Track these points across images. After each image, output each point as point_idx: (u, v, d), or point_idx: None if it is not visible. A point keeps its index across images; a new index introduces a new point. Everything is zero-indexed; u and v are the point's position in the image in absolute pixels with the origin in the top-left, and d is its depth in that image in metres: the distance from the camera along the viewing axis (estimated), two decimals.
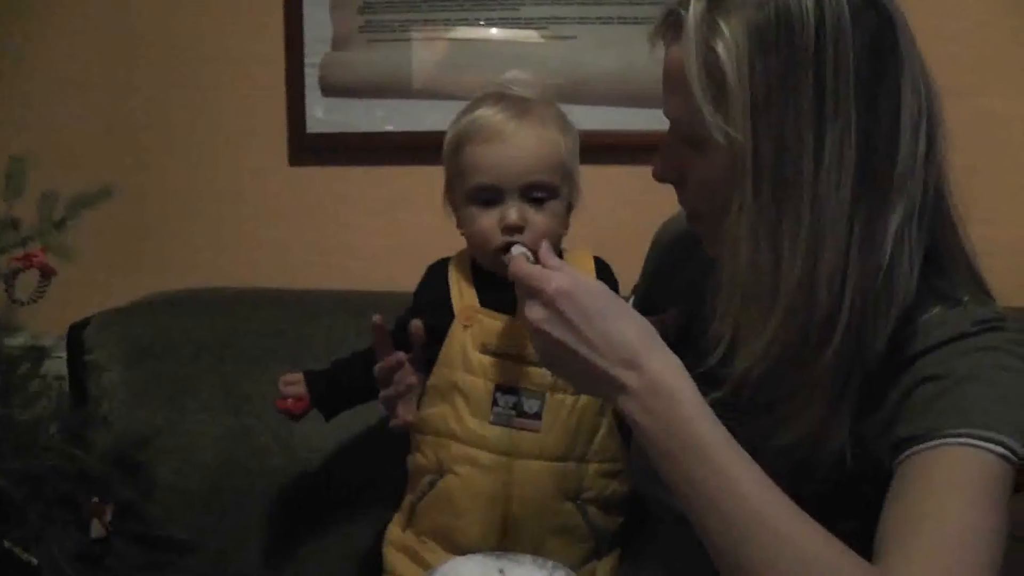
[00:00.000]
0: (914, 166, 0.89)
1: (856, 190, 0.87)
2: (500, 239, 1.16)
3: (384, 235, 1.82)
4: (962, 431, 0.84)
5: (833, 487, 0.92)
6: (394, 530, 1.26)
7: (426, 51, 1.75)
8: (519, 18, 1.72)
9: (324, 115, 1.77)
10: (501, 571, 0.91)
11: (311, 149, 1.79)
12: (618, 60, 1.72)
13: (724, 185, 0.90)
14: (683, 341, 1.03)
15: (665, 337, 1.06)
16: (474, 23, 1.73)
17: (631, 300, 1.27)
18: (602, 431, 1.19)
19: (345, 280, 1.77)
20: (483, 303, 1.21)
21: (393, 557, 1.24)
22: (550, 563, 0.94)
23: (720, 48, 0.87)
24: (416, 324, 1.21)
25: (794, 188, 0.87)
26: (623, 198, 1.64)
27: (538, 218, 1.16)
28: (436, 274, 1.27)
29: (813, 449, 0.94)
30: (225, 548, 1.51)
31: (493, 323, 1.18)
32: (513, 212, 1.15)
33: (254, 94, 1.79)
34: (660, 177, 1.01)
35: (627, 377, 0.86)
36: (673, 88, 0.93)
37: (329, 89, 1.77)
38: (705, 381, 0.91)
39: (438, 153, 1.72)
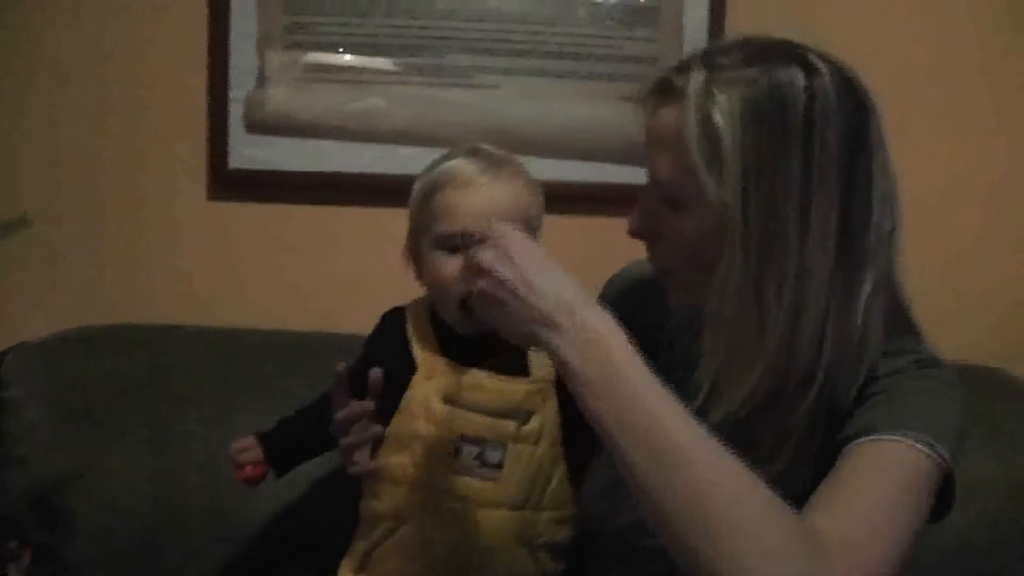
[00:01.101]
0: (881, 240, 0.98)
1: (836, 258, 0.95)
2: (462, 287, 1.18)
3: (301, 274, 1.82)
4: (896, 431, 0.94)
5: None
6: (346, 575, 1.28)
7: (351, 93, 1.77)
8: (443, 66, 1.77)
9: (246, 151, 1.76)
10: None
11: (232, 185, 1.78)
12: (538, 111, 1.79)
13: (707, 244, 0.98)
14: None
15: None
16: (399, 69, 1.77)
17: None
18: (555, 480, 1.23)
19: (262, 318, 1.75)
20: (445, 354, 1.24)
21: None
22: None
23: (717, 116, 0.94)
24: (376, 373, 1.22)
25: (781, 252, 0.94)
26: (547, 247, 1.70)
27: None
28: (392, 324, 1.29)
29: (776, 488, 1.02)
30: None
31: (456, 374, 1.21)
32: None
33: (175, 126, 1.77)
34: (636, 233, 1.07)
35: (563, 318, 0.91)
36: (662, 149, 1.00)
37: (253, 126, 1.76)
38: None
39: (361, 195, 1.77)
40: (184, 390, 1.55)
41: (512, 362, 1.24)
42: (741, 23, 1.77)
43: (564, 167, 1.77)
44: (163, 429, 1.52)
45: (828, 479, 0.95)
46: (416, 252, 1.27)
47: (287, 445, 1.28)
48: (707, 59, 0.98)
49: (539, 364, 1.25)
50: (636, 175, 1.74)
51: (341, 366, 1.22)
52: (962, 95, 1.86)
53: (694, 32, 1.78)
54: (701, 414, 1.00)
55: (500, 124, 1.77)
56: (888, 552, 0.89)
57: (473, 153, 1.24)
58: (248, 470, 1.25)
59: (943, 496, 0.98)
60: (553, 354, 0.92)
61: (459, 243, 1.19)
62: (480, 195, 1.20)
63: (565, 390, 1.21)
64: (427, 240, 1.23)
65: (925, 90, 1.82)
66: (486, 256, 0.95)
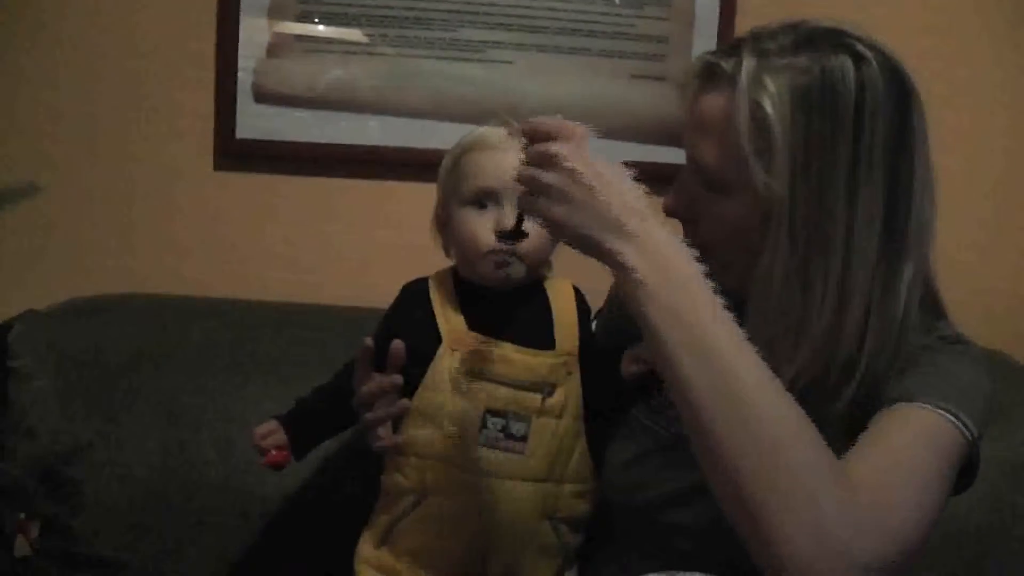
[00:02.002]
0: (922, 227, 0.99)
1: (880, 246, 0.96)
2: (492, 241, 1.19)
3: (311, 246, 1.80)
4: (925, 400, 0.95)
5: None
6: (366, 548, 1.26)
7: (363, 65, 1.75)
8: (457, 39, 1.75)
9: (254, 121, 1.74)
10: None
11: (239, 155, 1.75)
12: (550, 87, 1.78)
13: (750, 229, 0.98)
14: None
15: (645, 372, 1.12)
16: (412, 41, 1.75)
17: (594, 324, 1.32)
18: (577, 454, 1.23)
19: (266, 290, 1.74)
20: (470, 327, 1.23)
21: None
22: None
23: (767, 104, 0.94)
24: (399, 346, 1.21)
25: (828, 240, 0.95)
26: None
27: (532, 225, 1.16)
28: (415, 296, 1.28)
29: None
30: (159, 567, 1.45)
31: (482, 347, 1.21)
32: (509, 217, 1.17)
33: (182, 96, 1.74)
34: (672, 212, 1.07)
35: (632, 222, 0.88)
36: (707, 134, 1.00)
37: (262, 96, 1.74)
38: None
39: (370, 168, 1.76)
40: (193, 361, 1.53)
41: (537, 334, 1.24)
42: (753, 3, 1.77)
43: None
44: (173, 400, 1.50)
45: (859, 439, 0.95)
46: (444, 219, 1.26)
47: (307, 426, 1.27)
48: (756, 44, 0.98)
49: (564, 336, 1.25)
50: (644, 152, 1.79)
51: (368, 340, 1.21)
52: (971, 88, 1.85)
53: (705, 12, 1.78)
54: None
55: (513, 100, 1.76)
56: (912, 507, 0.88)
57: (501, 123, 1.24)
58: (273, 454, 1.24)
59: (966, 468, 0.99)
60: (614, 260, 0.89)
61: (488, 200, 1.20)
62: (509, 156, 1.16)
63: (587, 363, 1.24)
64: (456, 201, 1.23)
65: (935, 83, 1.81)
66: (560, 148, 0.90)
